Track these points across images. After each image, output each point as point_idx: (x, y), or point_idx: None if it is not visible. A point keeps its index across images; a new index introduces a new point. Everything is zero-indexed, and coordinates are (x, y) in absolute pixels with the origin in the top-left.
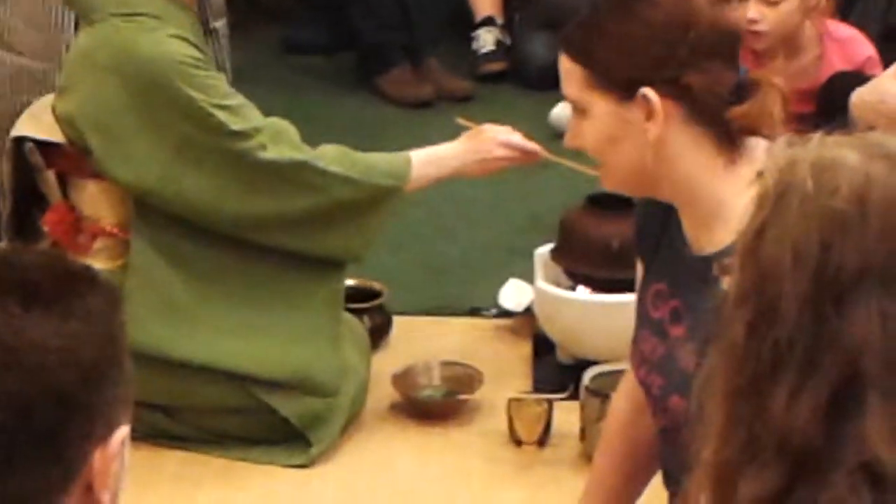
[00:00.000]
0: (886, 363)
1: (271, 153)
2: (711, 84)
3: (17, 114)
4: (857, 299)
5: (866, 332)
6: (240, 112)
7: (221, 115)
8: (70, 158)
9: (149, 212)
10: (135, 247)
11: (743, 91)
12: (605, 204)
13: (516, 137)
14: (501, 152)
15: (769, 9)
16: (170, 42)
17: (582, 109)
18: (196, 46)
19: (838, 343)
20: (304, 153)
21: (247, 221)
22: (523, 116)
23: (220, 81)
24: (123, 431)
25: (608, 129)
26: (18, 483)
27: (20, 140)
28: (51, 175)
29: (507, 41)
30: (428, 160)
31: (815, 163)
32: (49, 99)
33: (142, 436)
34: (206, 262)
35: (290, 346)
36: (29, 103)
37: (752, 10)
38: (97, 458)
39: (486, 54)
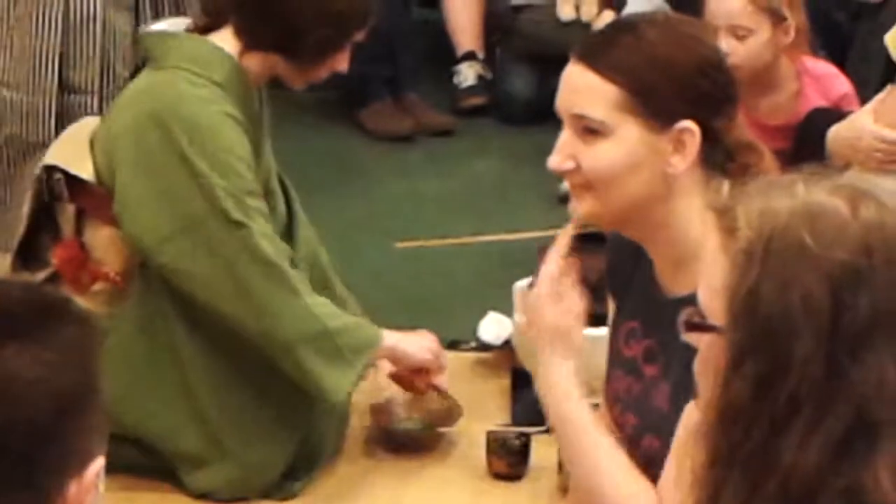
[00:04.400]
0: None
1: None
2: (728, 132)
3: (2, 146)
4: (871, 347)
5: (881, 379)
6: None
7: (228, 203)
8: (94, 198)
9: (151, 276)
10: (131, 300)
11: (740, 148)
12: (583, 238)
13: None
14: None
15: (738, 42)
16: (221, 121)
17: (598, 131)
18: (244, 129)
19: (852, 391)
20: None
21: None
22: (503, 151)
23: (250, 174)
24: (98, 463)
25: (632, 156)
26: None
27: (50, 167)
28: (70, 209)
29: (489, 76)
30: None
31: (803, 213)
32: (86, 126)
33: (117, 469)
34: (189, 347)
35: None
36: (14, 135)
37: (723, 43)
38: (72, 489)
39: (467, 89)
